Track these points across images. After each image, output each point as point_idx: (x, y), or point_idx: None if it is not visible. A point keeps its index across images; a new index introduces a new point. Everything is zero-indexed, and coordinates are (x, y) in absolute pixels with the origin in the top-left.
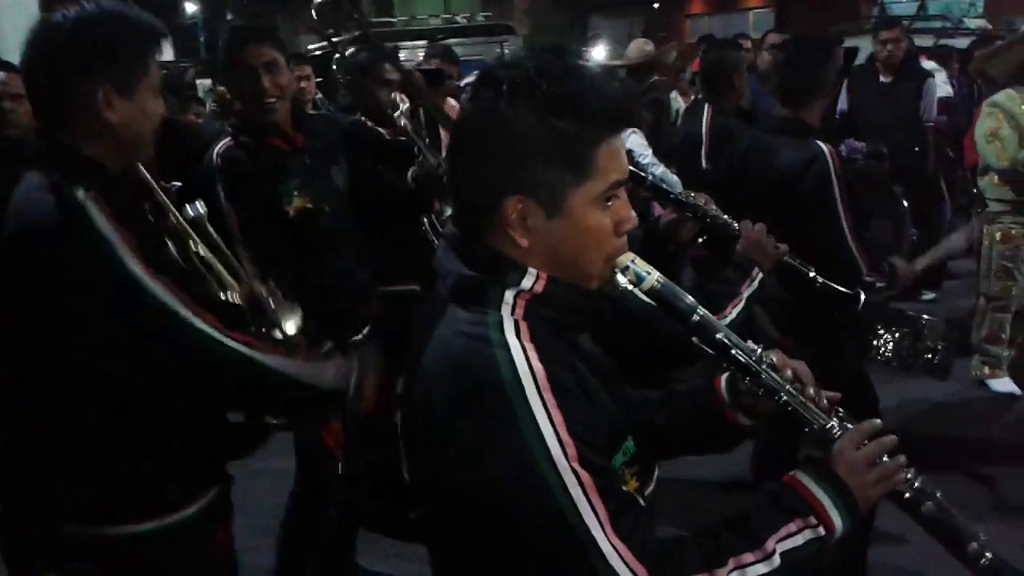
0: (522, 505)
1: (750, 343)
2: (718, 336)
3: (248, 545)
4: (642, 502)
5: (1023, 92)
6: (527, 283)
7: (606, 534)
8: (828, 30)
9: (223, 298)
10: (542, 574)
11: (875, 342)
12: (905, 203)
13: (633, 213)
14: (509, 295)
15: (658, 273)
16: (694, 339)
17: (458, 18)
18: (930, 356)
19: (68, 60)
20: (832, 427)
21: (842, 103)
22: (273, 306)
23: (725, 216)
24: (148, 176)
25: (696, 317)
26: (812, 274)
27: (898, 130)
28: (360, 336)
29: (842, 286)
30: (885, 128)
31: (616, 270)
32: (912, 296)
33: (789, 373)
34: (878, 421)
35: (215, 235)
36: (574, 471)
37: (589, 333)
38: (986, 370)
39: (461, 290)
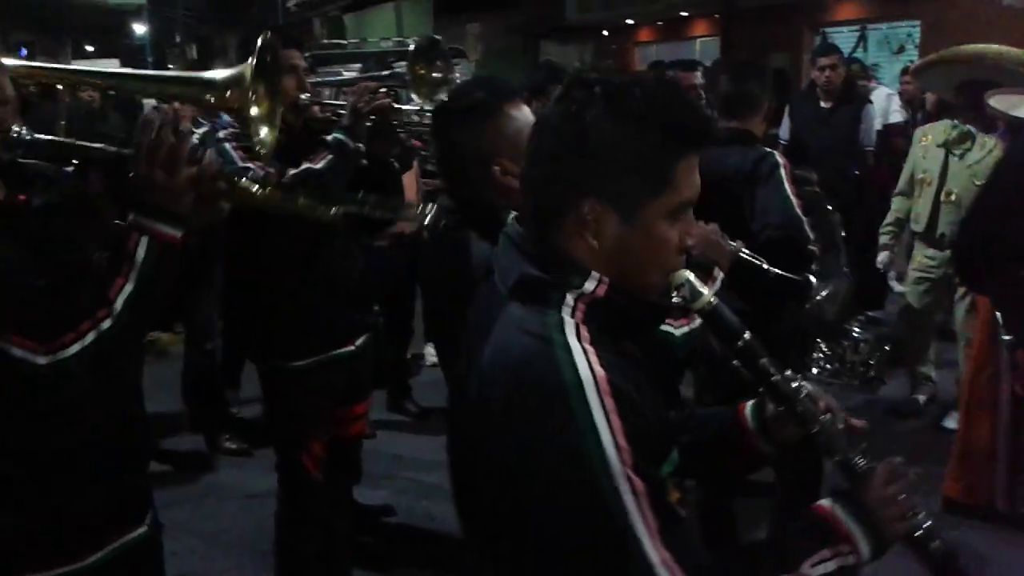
0: (574, 507)
1: (788, 372)
2: (762, 361)
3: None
4: (682, 513)
5: (947, 128)
6: (589, 286)
7: (654, 544)
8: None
9: None
10: None
11: (815, 354)
12: (838, 222)
13: (696, 229)
14: (570, 297)
15: (711, 292)
16: (735, 361)
17: (409, 41)
18: (864, 370)
19: None
20: (859, 461)
21: (784, 131)
22: None
23: None
24: None
25: (742, 341)
26: (765, 266)
27: (838, 155)
28: (355, 347)
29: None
30: (825, 153)
31: (672, 285)
32: (857, 315)
33: (822, 404)
34: (899, 459)
35: None
36: (628, 477)
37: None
38: None
39: (523, 288)
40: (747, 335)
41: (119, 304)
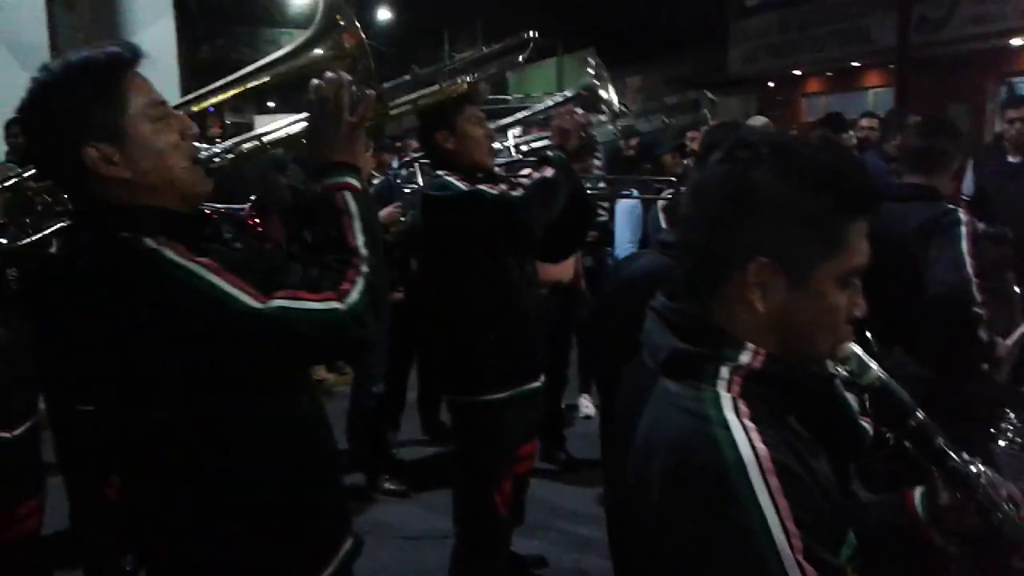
0: None
1: (965, 455)
2: (937, 441)
3: None
4: None
5: None
6: (744, 359)
7: None
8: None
9: None
10: None
11: (1002, 424)
12: (1018, 289)
13: (863, 301)
14: (725, 371)
15: (879, 367)
16: (906, 442)
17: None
18: None
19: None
20: None
21: (967, 187)
22: None
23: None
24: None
25: (915, 420)
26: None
27: None
28: (538, 384)
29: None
30: (1015, 209)
31: (839, 358)
32: None
33: (1004, 492)
34: None
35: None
36: (799, 565)
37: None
38: None
39: (675, 363)
40: (920, 414)
41: (362, 247)
